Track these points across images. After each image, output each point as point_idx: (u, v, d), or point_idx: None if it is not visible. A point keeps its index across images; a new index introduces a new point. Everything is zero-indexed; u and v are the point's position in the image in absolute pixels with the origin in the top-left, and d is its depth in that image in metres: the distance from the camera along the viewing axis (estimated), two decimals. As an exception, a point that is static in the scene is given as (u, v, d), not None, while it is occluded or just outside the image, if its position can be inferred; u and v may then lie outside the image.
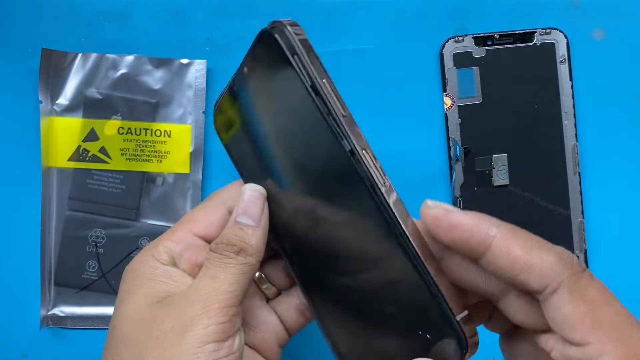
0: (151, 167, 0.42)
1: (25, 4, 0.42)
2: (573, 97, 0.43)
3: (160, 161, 0.42)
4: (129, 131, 0.42)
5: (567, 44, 0.43)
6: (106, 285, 0.42)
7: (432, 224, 0.28)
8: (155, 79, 0.42)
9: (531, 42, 0.43)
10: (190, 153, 0.42)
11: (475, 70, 0.43)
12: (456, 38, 0.43)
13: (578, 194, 0.43)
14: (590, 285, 0.26)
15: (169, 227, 0.41)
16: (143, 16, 0.42)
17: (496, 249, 0.26)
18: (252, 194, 0.33)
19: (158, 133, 0.42)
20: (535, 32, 0.43)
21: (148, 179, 0.42)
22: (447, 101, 0.43)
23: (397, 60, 0.43)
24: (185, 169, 0.42)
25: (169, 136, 0.42)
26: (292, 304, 0.35)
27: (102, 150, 0.42)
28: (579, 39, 0.43)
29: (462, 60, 0.43)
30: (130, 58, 0.42)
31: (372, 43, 0.43)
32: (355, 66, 0.43)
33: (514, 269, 0.26)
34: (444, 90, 0.43)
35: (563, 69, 0.43)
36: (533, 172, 0.43)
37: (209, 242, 0.33)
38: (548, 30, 0.43)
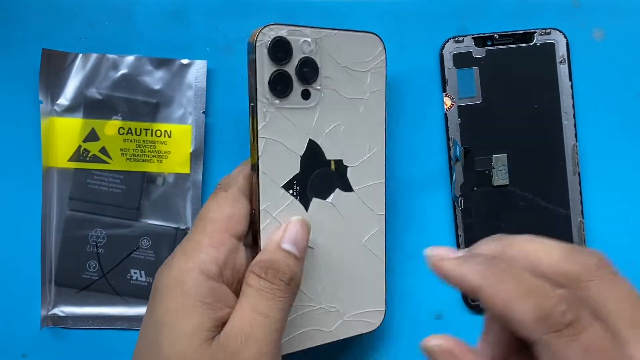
0: (151, 167, 0.42)
1: (25, 4, 0.42)
2: (573, 97, 0.43)
3: (161, 161, 0.42)
4: (130, 131, 0.42)
5: (567, 44, 0.43)
6: (106, 286, 0.42)
7: (434, 272, 0.27)
8: (155, 79, 0.42)
9: (531, 42, 0.43)
10: (191, 153, 0.42)
11: (475, 70, 0.43)
12: (456, 38, 0.43)
13: (578, 194, 0.43)
14: (569, 347, 0.23)
15: (170, 227, 0.42)
16: (143, 16, 0.42)
17: (484, 300, 0.25)
18: (302, 225, 0.34)
19: (158, 133, 0.42)
20: (535, 32, 0.43)
21: (148, 179, 0.42)
22: (447, 101, 0.43)
23: (397, 60, 0.43)
24: (186, 169, 0.42)
25: (169, 136, 0.42)
26: None
27: (103, 150, 0.42)
28: (579, 39, 0.43)
29: (462, 60, 0.43)
30: (130, 58, 0.42)
31: (372, 43, 0.43)
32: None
33: (504, 319, 0.24)
34: (444, 90, 0.43)
35: (563, 69, 0.43)
36: (533, 172, 0.43)
37: (240, 239, 0.33)
38: (548, 31, 0.43)
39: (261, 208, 0.36)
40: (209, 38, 0.43)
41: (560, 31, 0.43)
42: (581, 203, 0.43)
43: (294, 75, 0.36)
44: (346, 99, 0.38)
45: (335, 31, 0.37)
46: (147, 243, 0.42)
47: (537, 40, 0.43)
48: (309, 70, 0.36)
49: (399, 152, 0.43)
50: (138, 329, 0.42)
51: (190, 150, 0.42)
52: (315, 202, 0.38)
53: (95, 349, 0.43)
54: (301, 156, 0.37)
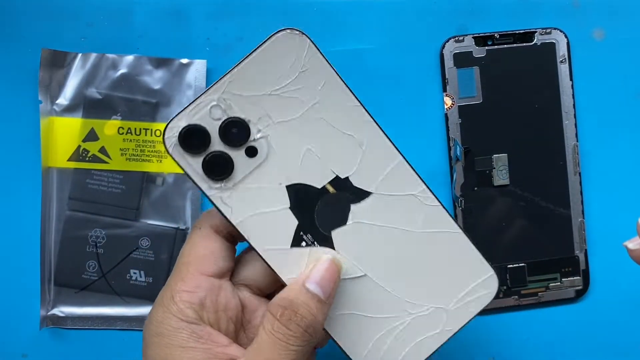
0: (151, 167, 0.42)
1: (25, 4, 0.42)
2: (573, 97, 0.43)
3: (160, 161, 0.42)
4: (129, 131, 0.42)
5: (568, 43, 0.43)
6: (106, 286, 0.42)
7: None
8: (155, 79, 0.42)
9: (531, 42, 0.43)
10: None
11: (476, 70, 0.43)
12: (456, 38, 0.43)
13: (578, 194, 0.43)
14: None
15: (169, 227, 0.42)
16: (143, 16, 0.42)
17: None
18: (331, 265, 0.31)
19: (158, 133, 0.42)
20: (536, 32, 0.43)
21: (148, 179, 0.42)
22: (447, 101, 0.43)
23: (397, 60, 0.43)
24: None
25: None
26: None
27: (102, 150, 0.42)
28: (579, 39, 0.43)
29: (463, 60, 0.43)
30: (130, 58, 0.42)
31: (372, 43, 0.43)
32: (355, 66, 0.43)
33: None
34: (444, 90, 0.43)
35: (563, 69, 0.43)
36: (533, 172, 0.43)
37: (221, 278, 0.32)
38: (548, 30, 0.43)
39: (285, 279, 0.33)
40: (209, 38, 0.43)
41: (560, 31, 0.43)
42: (581, 203, 0.43)
43: (224, 148, 0.33)
44: (298, 118, 0.33)
45: (237, 69, 0.32)
46: (147, 243, 0.42)
47: (537, 39, 0.43)
48: (236, 131, 0.33)
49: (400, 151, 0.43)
50: (137, 329, 0.42)
51: None
52: (337, 233, 0.34)
53: (95, 349, 0.43)
54: (290, 208, 0.34)
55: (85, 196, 0.42)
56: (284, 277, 0.33)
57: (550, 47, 0.43)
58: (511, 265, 0.43)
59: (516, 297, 0.43)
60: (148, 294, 0.42)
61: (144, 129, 0.42)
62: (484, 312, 0.43)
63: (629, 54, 0.44)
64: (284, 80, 0.33)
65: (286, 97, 0.33)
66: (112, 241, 0.42)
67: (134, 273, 0.42)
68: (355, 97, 0.34)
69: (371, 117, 0.34)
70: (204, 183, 0.33)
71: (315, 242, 0.34)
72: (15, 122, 0.42)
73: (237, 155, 0.33)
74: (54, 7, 0.42)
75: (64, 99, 0.42)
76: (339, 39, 0.43)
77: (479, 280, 0.36)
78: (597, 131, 0.44)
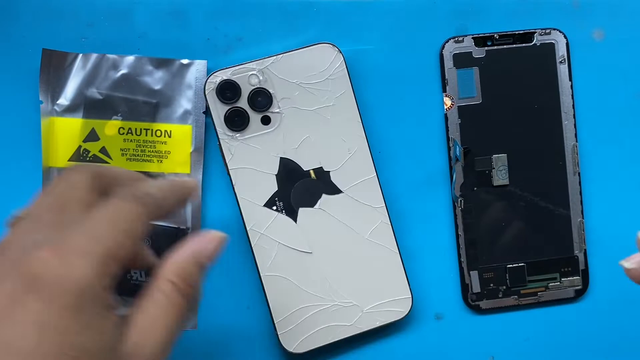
0: (152, 168, 0.42)
1: (25, 4, 0.42)
2: (573, 98, 0.43)
3: (161, 161, 0.42)
4: (130, 131, 0.42)
5: (567, 44, 0.43)
6: None
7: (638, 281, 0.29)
8: (155, 79, 0.42)
9: (531, 42, 0.43)
10: (191, 153, 0.42)
11: (475, 70, 0.43)
12: (456, 38, 0.43)
13: (578, 194, 0.43)
14: None
15: (170, 227, 0.42)
16: (143, 16, 0.42)
17: None
18: (215, 240, 0.32)
19: (158, 133, 0.42)
20: (535, 32, 0.43)
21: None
22: (447, 101, 0.43)
23: (397, 60, 0.43)
24: (186, 169, 0.42)
25: (170, 136, 0.42)
26: None
27: (103, 150, 0.42)
28: (579, 40, 0.43)
29: (462, 60, 0.43)
30: (130, 58, 0.42)
31: (372, 43, 0.43)
32: (355, 66, 0.43)
33: None
34: (444, 90, 0.43)
35: (563, 69, 0.43)
36: (533, 172, 0.43)
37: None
38: (548, 31, 0.43)
39: (248, 228, 0.41)
40: (209, 38, 0.43)
41: (560, 31, 0.43)
42: (581, 203, 0.43)
43: (247, 108, 0.40)
44: (310, 111, 0.41)
45: (282, 55, 0.41)
46: (148, 243, 0.42)
47: (537, 40, 0.43)
48: (262, 99, 0.41)
49: (399, 152, 0.43)
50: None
51: (191, 150, 0.42)
52: (303, 211, 0.41)
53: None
54: (276, 175, 0.41)
55: None
56: (248, 226, 0.41)
57: (550, 48, 0.43)
58: (510, 265, 0.43)
59: (516, 297, 0.43)
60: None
61: (144, 129, 0.42)
62: (484, 311, 0.43)
63: (628, 55, 0.44)
64: (312, 79, 0.41)
65: (309, 91, 0.41)
66: None
67: (135, 273, 0.42)
68: (360, 114, 0.41)
69: (365, 134, 0.41)
70: (221, 128, 0.40)
71: (284, 211, 0.41)
72: (15, 123, 0.42)
73: (254, 118, 0.41)
74: (54, 7, 0.42)
75: (64, 99, 0.42)
76: (339, 39, 0.43)
77: (395, 297, 0.42)
78: (597, 131, 0.44)
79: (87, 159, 0.42)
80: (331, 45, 0.41)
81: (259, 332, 0.43)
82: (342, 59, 0.41)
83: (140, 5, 0.42)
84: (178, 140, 0.42)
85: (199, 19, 0.43)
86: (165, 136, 0.42)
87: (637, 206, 0.44)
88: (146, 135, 0.42)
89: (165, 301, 0.30)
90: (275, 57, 0.41)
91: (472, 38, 0.43)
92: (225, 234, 0.33)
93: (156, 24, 0.42)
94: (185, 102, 0.42)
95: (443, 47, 0.43)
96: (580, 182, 0.43)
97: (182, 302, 0.30)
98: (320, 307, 0.41)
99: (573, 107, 0.43)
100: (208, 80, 0.40)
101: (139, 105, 0.42)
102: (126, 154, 0.42)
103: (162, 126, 0.42)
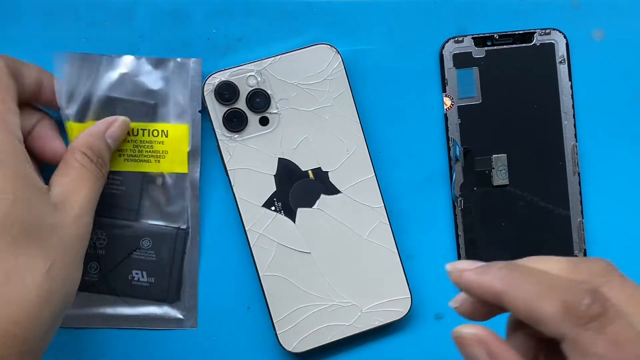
0: (149, 168, 0.42)
1: (25, 3, 0.42)
2: (572, 98, 0.43)
3: (158, 161, 0.42)
4: (127, 132, 0.42)
5: (567, 44, 0.43)
6: (107, 287, 0.42)
7: (458, 285, 0.27)
8: (152, 79, 0.42)
9: (531, 42, 0.43)
10: (188, 152, 0.42)
11: (475, 70, 0.43)
12: (456, 38, 0.43)
13: (578, 194, 0.43)
14: (597, 340, 0.22)
15: (170, 227, 0.42)
16: (143, 16, 0.42)
17: (508, 304, 0.25)
18: (122, 124, 0.40)
19: (155, 133, 0.42)
20: (535, 32, 0.43)
21: (148, 179, 0.42)
22: (447, 101, 0.43)
23: (397, 60, 0.43)
24: (184, 169, 0.42)
25: (166, 136, 0.42)
26: None
27: None
28: (579, 40, 0.43)
29: (462, 60, 0.43)
30: (129, 59, 0.42)
31: (372, 43, 0.43)
32: (355, 66, 0.43)
33: (529, 321, 0.24)
34: (444, 90, 0.43)
35: (562, 69, 0.43)
36: (533, 172, 0.43)
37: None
38: (547, 31, 0.43)
39: (247, 228, 0.41)
40: (209, 38, 0.43)
41: (560, 31, 0.43)
42: (581, 203, 0.43)
43: (246, 109, 0.41)
44: (308, 112, 0.41)
45: (280, 56, 0.41)
46: (148, 244, 0.42)
47: (536, 40, 0.43)
48: (260, 100, 0.41)
49: (399, 152, 0.43)
50: (139, 329, 0.42)
51: (188, 150, 0.42)
52: (301, 211, 0.41)
53: (95, 349, 0.43)
54: (274, 175, 0.41)
55: None
56: (247, 227, 0.41)
57: (550, 48, 0.43)
58: (510, 265, 0.43)
59: (515, 296, 0.43)
60: (150, 295, 0.42)
61: (141, 129, 0.42)
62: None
63: (628, 55, 0.44)
64: (311, 80, 0.41)
65: (307, 92, 0.41)
66: (113, 242, 0.42)
67: (136, 274, 0.42)
68: (358, 114, 0.41)
69: (364, 135, 0.41)
70: (220, 129, 0.41)
71: (282, 211, 0.41)
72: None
73: (253, 119, 0.41)
74: (54, 7, 0.42)
75: (62, 101, 0.41)
76: (338, 39, 0.43)
77: (395, 297, 0.42)
78: (597, 131, 0.44)
79: None
80: (329, 46, 0.41)
81: (258, 332, 0.43)
82: (340, 59, 0.41)
83: (141, 5, 0.42)
84: (175, 139, 0.42)
85: (199, 19, 0.42)
86: (162, 136, 0.42)
87: (637, 206, 0.44)
88: (143, 135, 0.42)
89: (80, 167, 0.37)
90: (273, 58, 0.41)
91: (472, 38, 0.43)
92: (129, 119, 0.41)
93: (156, 24, 0.42)
94: (181, 101, 0.42)
95: (443, 47, 0.43)
96: (580, 182, 0.43)
97: (95, 169, 0.37)
98: (319, 307, 0.41)
99: (573, 107, 0.43)
100: (206, 82, 0.41)
101: (137, 106, 0.41)
102: (123, 155, 0.42)
103: (159, 126, 0.42)
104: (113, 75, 0.41)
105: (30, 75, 0.38)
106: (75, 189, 0.36)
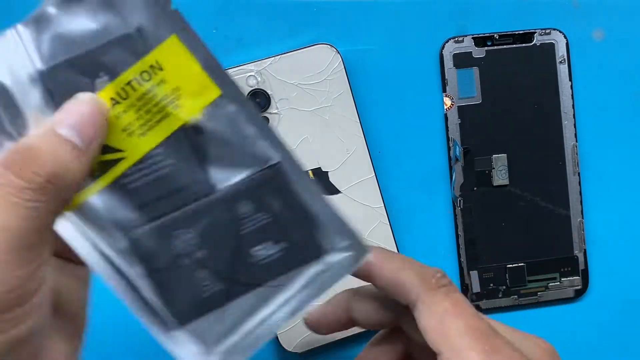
0: (174, 123, 0.27)
1: (25, 3, 0.42)
2: (573, 98, 0.43)
3: (177, 106, 0.27)
4: (121, 96, 0.26)
5: (567, 44, 0.43)
6: (237, 287, 0.31)
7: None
8: (88, 20, 0.26)
9: (531, 42, 0.43)
10: (202, 70, 0.27)
11: (475, 70, 0.43)
12: (456, 38, 0.43)
13: (578, 194, 0.43)
14: (444, 300, 0.28)
15: (258, 171, 0.28)
16: (143, 16, 0.42)
17: (374, 274, 0.29)
18: (93, 105, 0.23)
19: (146, 76, 0.26)
20: (535, 32, 0.43)
21: (187, 135, 0.27)
22: (447, 101, 0.43)
23: (397, 60, 0.43)
24: (213, 93, 0.27)
25: (161, 69, 0.26)
26: None
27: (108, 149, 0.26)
28: (579, 40, 0.43)
29: (462, 60, 0.43)
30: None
31: (371, 43, 0.43)
32: (355, 66, 0.43)
33: (389, 290, 0.29)
34: (444, 90, 0.43)
35: (563, 69, 0.43)
36: (533, 172, 0.43)
37: None
38: (548, 31, 0.43)
39: None
40: (209, 38, 0.42)
41: (560, 31, 0.43)
42: (581, 203, 0.43)
43: None
44: (308, 112, 0.41)
45: (280, 56, 0.41)
46: (249, 207, 0.27)
47: (537, 40, 0.43)
48: (260, 100, 0.41)
49: (399, 152, 0.43)
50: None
51: (199, 67, 0.26)
52: None
53: (96, 348, 0.43)
54: None
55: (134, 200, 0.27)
56: None
57: (550, 48, 0.43)
58: (510, 265, 0.43)
59: (515, 297, 0.43)
60: (292, 261, 0.29)
61: (125, 85, 0.25)
62: (484, 311, 0.43)
63: (628, 55, 0.44)
64: (311, 80, 0.41)
65: (307, 92, 0.41)
66: (206, 233, 0.28)
67: (260, 250, 0.29)
68: (358, 114, 0.41)
69: (364, 134, 0.41)
70: None
71: None
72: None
73: None
74: (54, 7, 0.42)
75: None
76: (338, 39, 0.43)
77: None
78: (597, 131, 0.44)
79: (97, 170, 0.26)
80: (329, 46, 0.41)
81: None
82: (340, 59, 0.41)
83: (140, 5, 0.42)
84: (173, 65, 0.27)
85: (198, 20, 0.42)
86: (155, 73, 0.26)
87: (637, 206, 0.44)
88: (133, 89, 0.26)
89: None
90: (273, 58, 0.41)
91: (472, 38, 0.43)
92: (98, 98, 0.25)
93: (156, 24, 0.42)
94: (146, 22, 0.26)
95: (443, 47, 0.43)
96: (580, 182, 0.43)
97: (21, 183, 0.22)
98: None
99: (573, 107, 0.43)
100: None
101: (115, 48, 0.26)
102: (131, 131, 0.26)
103: (140, 65, 0.26)
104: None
105: None
106: None
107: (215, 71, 0.27)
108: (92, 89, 0.25)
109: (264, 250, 0.29)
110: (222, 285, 0.29)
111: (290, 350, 0.41)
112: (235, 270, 0.29)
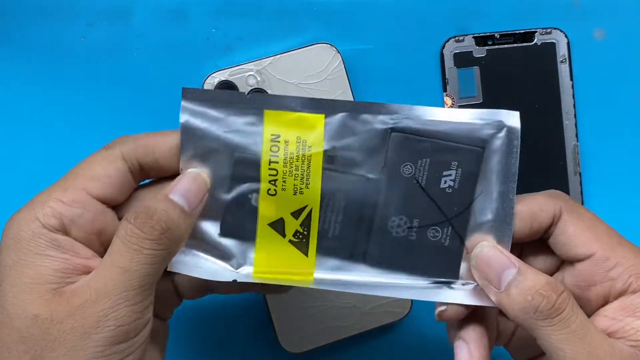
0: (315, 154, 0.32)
1: (25, 3, 0.42)
2: (574, 97, 0.43)
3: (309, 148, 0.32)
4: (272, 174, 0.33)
5: (568, 43, 0.43)
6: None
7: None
8: None
9: (532, 41, 0.43)
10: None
11: (476, 70, 0.43)
12: (457, 38, 0.43)
13: (578, 194, 0.43)
14: (584, 210, 0.32)
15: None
16: (143, 16, 0.42)
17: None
18: (196, 179, 0.30)
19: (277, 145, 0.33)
20: (536, 31, 0.43)
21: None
22: (448, 101, 0.43)
23: (397, 59, 0.43)
24: (319, 139, 0.33)
25: (279, 135, 0.32)
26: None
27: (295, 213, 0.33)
28: (580, 39, 0.43)
29: (463, 60, 0.43)
30: None
31: (372, 43, 0.43)
32: (355, 66, 0.43)
33: (535, 221, 0.31)
34: (445, 90, 0.43)
35: (563, 69, 0.43)
36: (533, 172, 0.43)
37: (107, 204, 0.29)
38: (548, 30, 0.43)
39: None
40: (208, 38, 0.43)
41: (561, 31, 0.43)
42: (582, 203, 0.43)
43: None
44: None
45: (280, 55, 0.41)
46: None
47: (537, 39, 0.43)
48: None
49: (399, 152, 0.43)
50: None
51: None
52: None
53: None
54: None
55: None
56: None
57: (551, 47, 0.43)
58: (511, 265, 0.43)
59: (516, 297, 0.43)
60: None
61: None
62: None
63: (629, 54, 0.44)
64: (310, 79, 0.41)
65: (307, 92, 0.41)
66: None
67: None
68: None
69: None
70: None
71: None
72: (17, 121, 0.42)
73: None
74: (53, 7, 0.42)
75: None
76: (339, 38, 0.42)
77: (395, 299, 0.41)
78: (598, 131, 0.44)
79: None
80: (329, 45, 0.41)
81: (259, 332, 0.43)
82: (340, 58, 0.41)
83: (140, 5, 0.42)
84: (282, 125, 0.33)
85: (198, 19, 0.42)
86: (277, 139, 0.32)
87: (638, 206, 0.44)
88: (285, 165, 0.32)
89: (118, 241, 0.28)
90: (273, 57, 0.41)
91: (473, 37, 0.43)
92: (202, 173, 0.31)
93: (156, 23, 0.42)
94: None
95: (443, 47, 0.43)
96: (581, 182, 0.43)
97: (142, 234, 0.28)
98: (319, 308, 0.41)
99: (574, 107, 0.43)
100: (206, 81, 0.40)
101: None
102: (300, 189, 0.32)
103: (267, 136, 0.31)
104: None
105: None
106: (104, 281, 0.27)
107: (308, 105, 0.31)
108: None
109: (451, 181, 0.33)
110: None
111: (290, 350, 0.41)
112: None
